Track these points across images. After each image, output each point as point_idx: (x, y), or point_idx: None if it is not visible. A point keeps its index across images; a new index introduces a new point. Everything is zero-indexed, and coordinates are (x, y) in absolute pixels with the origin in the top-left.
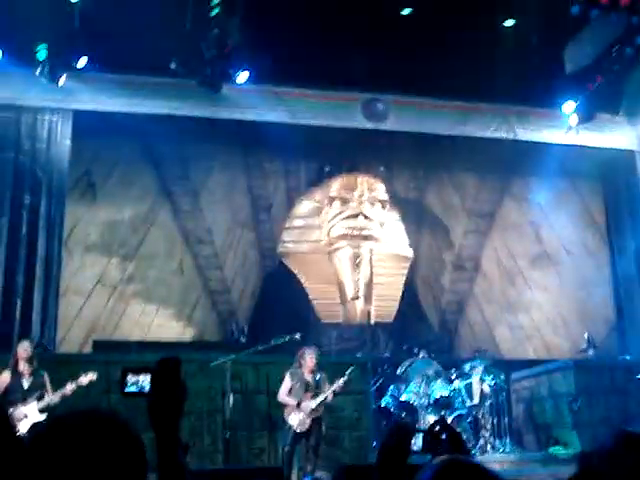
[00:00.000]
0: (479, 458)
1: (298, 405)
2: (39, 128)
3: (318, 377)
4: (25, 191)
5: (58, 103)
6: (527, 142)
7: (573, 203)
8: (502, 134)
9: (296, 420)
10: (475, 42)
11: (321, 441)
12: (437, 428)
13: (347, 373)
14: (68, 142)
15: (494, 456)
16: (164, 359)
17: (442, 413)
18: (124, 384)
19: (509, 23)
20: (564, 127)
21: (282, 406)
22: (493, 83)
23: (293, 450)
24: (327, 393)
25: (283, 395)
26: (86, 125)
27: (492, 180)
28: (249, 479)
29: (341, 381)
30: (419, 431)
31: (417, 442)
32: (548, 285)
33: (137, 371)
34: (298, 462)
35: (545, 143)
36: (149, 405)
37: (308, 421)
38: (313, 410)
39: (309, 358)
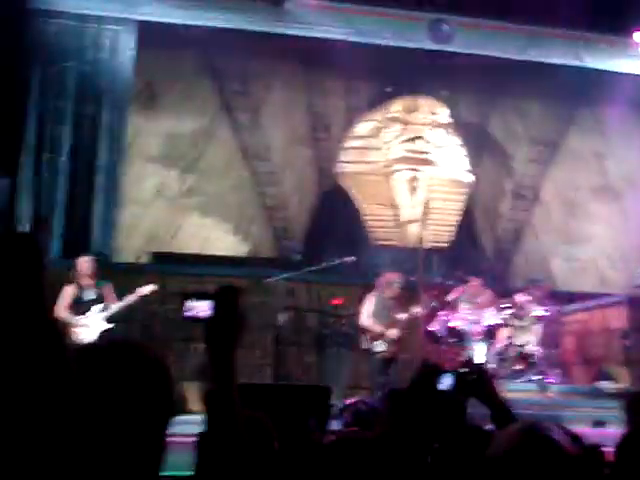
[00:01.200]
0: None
1: (382, 334)
2: (103, 38)
3: (400, 303)
4: (87, 101)
5: (122, 13)
6: (595, 70)
7: None
8: (569, 60)
9: (381, 347)
10: None
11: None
12: (465, 370)
13: (433, 304)
14: (131, 53)
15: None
16: (224, 287)
17: (489, 344)
18: (183, 309)
19: None
20: (633, 55)
21: (362, 330)
22: (563, 8)
23: (386, 375)
24: (407, 318)
25: (366, 319)
26: (149, 36)
27: (557, 108)
28: (298, 395)
29: (418, 309)
30: (447, 371)
31: (445, 381)
32: (609, 218)
33: (196, 296)
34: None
35: (614, 72)
36: (205, 332)
37: (394, 348)
38: (400, 337)
39: (395, 285)
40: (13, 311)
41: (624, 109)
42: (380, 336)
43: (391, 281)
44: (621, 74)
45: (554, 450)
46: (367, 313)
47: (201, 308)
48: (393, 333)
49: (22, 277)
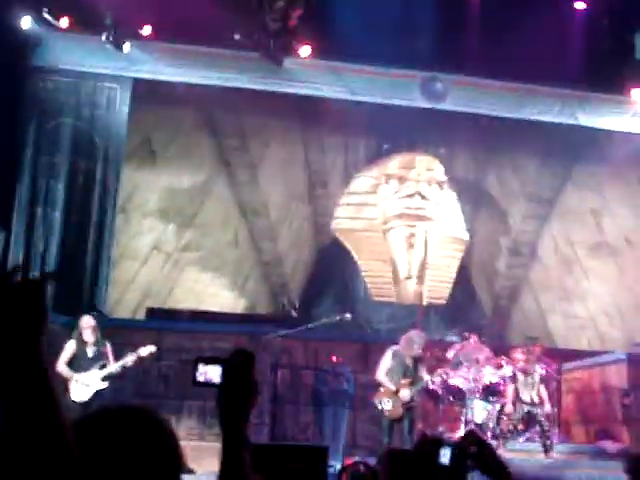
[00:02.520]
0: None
1: (396, 392)
2: (98, 95)
3: (418, 365)
4: (82, 157)
5: (118, 71)
6: (591, 128)
7: (636, 193)
8: (563, 119)
9: (389, 406)
10: (542, 24)
11: (415, 422)
12: (464, 441)
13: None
14: (126, 109)
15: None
16: (238, 351)
17: (488, 402)
18: (195, 374)
19: (580, 5)
20: (629, 114)
21: (374, 385)
22: (557, 66)
23: (391, 435)
24: (424, 383)
25: (382, 375)
26: (146, 93)
27: (554, 165)
28: (295, 455)
29: (440, 371)
30: (447, 444)
31: (445, 454)
32: (606, 275)
33: (210, 361)
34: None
35: (609, 130)
36: (218, 398)
37: (401, 410)
38: (410, 400)
39: (417, 346)
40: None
41: (620, 166)
42: (392, 395)
43: (416, 342)
44: (616, 132)
45: None
46: (383, 368)
47: (214, 373)
48: (405, 395)
49: (27, 327)
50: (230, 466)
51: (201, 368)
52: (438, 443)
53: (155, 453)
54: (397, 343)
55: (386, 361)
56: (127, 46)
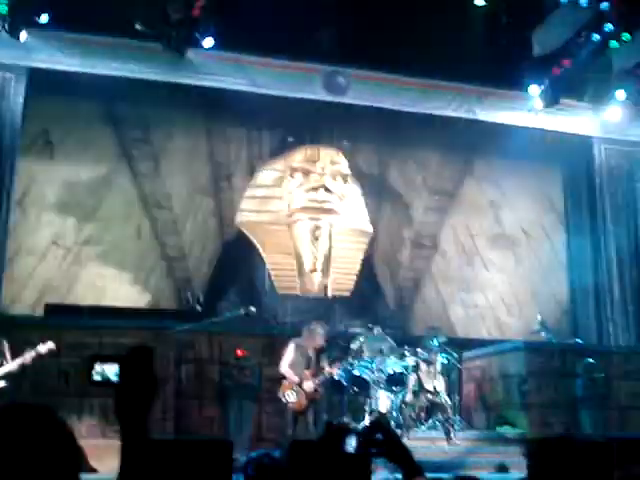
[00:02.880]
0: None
1: (299, 384)
2: None
3: (321, 356)
4: None
5: (13, 60)
6: (489, 123)
7: (533, 186)
8: (462, 113)
9: (293, 397)
10: (443, 20)
11: (319, 413)
12: (370, 429)
13: (338, 361)
14: (21, 99)
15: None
16: (135, 348)
17: (392, 392)
18: (91, 373)
19: (480, 2)
20: (525, 109)
21: (277, 378)
22: (457, 62)
23: (294, 428)
24: (326, 374)
25: (286, 367)
26: (43, 83)
27: (455, 159)
28: (199, 449)
29: (334, 369)
30: (353, 432)
31: (350, 442)
32: (505, 266)
33: (106, 359)
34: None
35: (507, 125)
36: (116, 396)
37: (305, 402)
38: (314, 392)
39: (319, 336)
40: None
41: (517, 160)
42: (295, 387)
43: (314, 331)
44: (514, 126)
45: None
46: (286, 361)
47: (111, 371)
48: (309, 386)
49: None
50: (130, 464)
51: (97, 367)
52: (344, 431)
53: (53, 452)
54: (299, 336)
55: (289, 354)
56: (24, 34)
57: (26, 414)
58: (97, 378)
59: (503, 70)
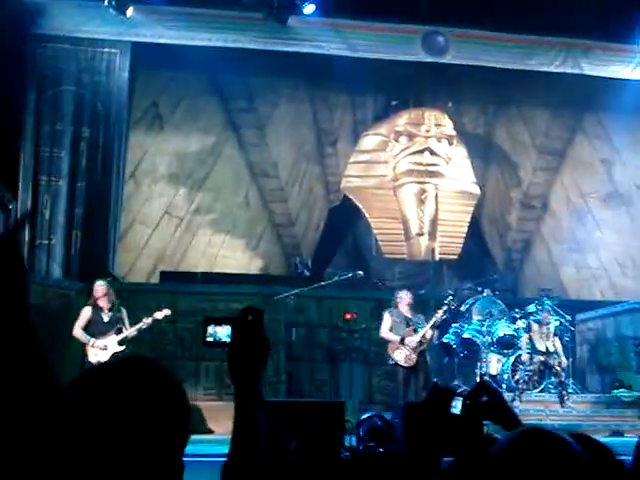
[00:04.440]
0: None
1: (402, 341)
2: (98, 60)
3: (417, 316)
4: (84, 124)
5: (117, 36)
6: (599, 78)
7: None
8: (567, 69)
9: (402, 356)
10: None
11: (429, 376)
12: (477, 391)
13: (446, 302)
14: (126, 74)
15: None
16: (246, 309)
17: (503, 355)
18: (204, 334)
19: None
20: (633, 62)
21: (384, 343)
22: (560, 15)
23: (406, 389)
24: (429, 325)
25: (386, 331)
26: (149, 57)
27: (564, 116)
28: (311, 412)
29: (439, 313)
30: (459, 394)
31: (456, 405)
32: (618, 225)
33: (219, 321)
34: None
35: (618, 79)
36: (229, 357)
37: (414, 356)
38: (418, 344)
39: (406, 299)
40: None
41: (630, 115)
42: (400, 344)
43: (403, 296)
44: (624, 80)
45: (557, 449)
46: (386, 327)
47: (223, 333)
48: (413, 341)
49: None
50: (244, 424)
51: (210, 328)
52: (449, 394)
53: (163, 408)
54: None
55: (386, 321)
56: (130, 10)
57: (141, 369)
58: (210, 339)
59: (611, 22)
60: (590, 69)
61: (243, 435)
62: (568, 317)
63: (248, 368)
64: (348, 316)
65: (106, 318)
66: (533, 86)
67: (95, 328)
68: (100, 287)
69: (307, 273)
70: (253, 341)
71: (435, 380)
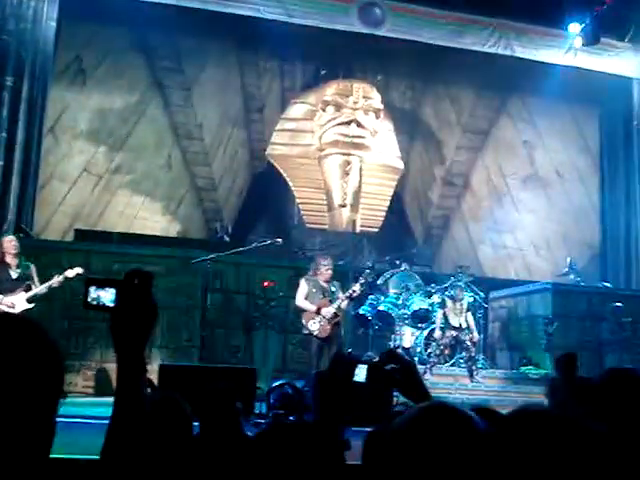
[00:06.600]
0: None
1: (318, 311)
2: (24, 8)
3: (333, 285)
4: (8, 72)
5: None
6: (526, 60)
7: (568, 126)
8: (500, 50)
9: (316, 326)
10: None
11: (343, 347)
12: (385, 360)
13: (364, 275)
14: (54, 24)
15: (465, 372)
16: (133, 271)
17: (417, 328)
18: (86, 296)
19: None
20: (564, 48)
21: (300, 311)
22: None
23: (319, 359)
24: (344, 297)
25: (301, 299)
26: (76, 9)
27: (489, 97)
28: (224, 377)
29: (357, 286)
30: (363, 362)
31: (360, 373)
32: (536, 207)
33: (102, 283)
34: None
35: (544, 63)
36: (111, 323)
37: (328, 327)
38: (334, 315)
39: (324, 268)
40: None
41: (553, 101)
42: (316, 314)
43: (323, 265)
44: (551, 66)
45: (457, 424)
46: (301, 295)
47: (107, 296)
48: (328, 312)
49: None
50: (125, 394)
51: (92, 290)
52: (351, 362)
53: (35, 367)
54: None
55: (302, 288)
56: None
57: (9, 325)
58: (92, 302)
59: (543, 7)
60: (522, 52)
61: (124, 406)
62: (482, 294)
63: (132, 336)
64: (266, 283)
65: (14, 275)
66: (461, 66)
67: (2, 285)
68: (10, 242)
69: (227, 238)
70: (139, 307)
71: (338, 350)
